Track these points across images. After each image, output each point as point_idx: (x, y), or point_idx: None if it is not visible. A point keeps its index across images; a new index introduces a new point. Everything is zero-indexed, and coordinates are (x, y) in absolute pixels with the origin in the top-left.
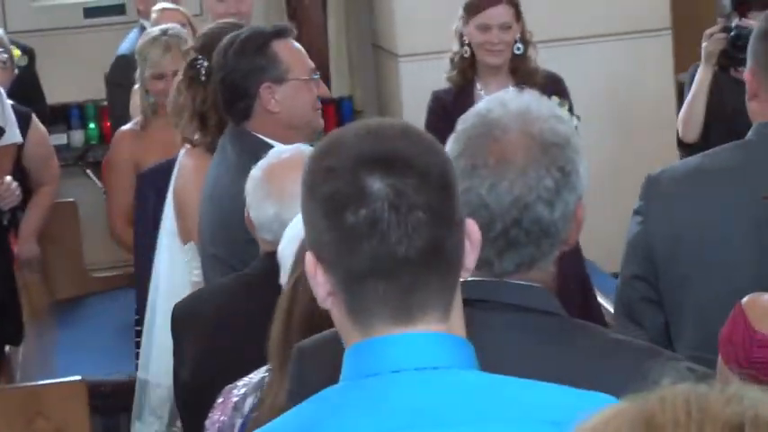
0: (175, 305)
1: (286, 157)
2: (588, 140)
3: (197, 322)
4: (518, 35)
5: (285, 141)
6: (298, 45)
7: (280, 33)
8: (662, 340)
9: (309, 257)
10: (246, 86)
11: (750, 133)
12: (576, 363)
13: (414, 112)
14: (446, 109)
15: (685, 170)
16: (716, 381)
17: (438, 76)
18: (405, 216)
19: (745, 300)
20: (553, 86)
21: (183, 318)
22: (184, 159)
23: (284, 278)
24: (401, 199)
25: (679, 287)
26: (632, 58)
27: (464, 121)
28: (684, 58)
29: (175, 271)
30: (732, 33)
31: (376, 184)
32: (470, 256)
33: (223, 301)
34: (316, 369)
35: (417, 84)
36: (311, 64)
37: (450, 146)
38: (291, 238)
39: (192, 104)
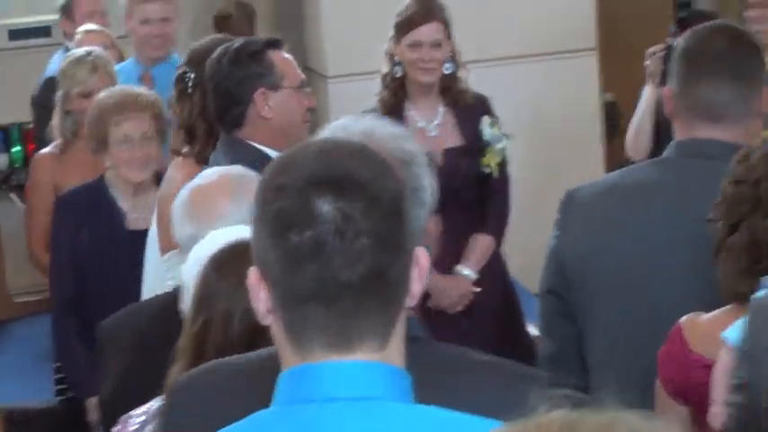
0: (103, 322)
1: (213, 180)
2: (514, 159)
3: (122, 339)
4: (449, 54)
5: (278, 149)
6: (290, 56)
7: (273, 44)
8: (571, 355)
9: (254, 272)
10: (241, 93)
11: (666, 151)
12: (438, 384)
13: None
14: None
15: (602, 186)
16: (593, 407)
17: (368, 96)
18: (350, 241)
19: (683, 320)
20: (482, 107)
21: (108, 334)
22: (173, 171)
23: (186, 302)
24: (348, 223)
25: (589, 302)
26: (558, 78)
27: None
28: (611, 78)
29: (157, 284)
30: (664, 53)
31: (324, 207)
32: (417, 284)
33: (149, 318)
34: (186, 411)
35: (347, 105)
36: (302, 76)
37: None
38: (195, 260)
39: (180, 117)
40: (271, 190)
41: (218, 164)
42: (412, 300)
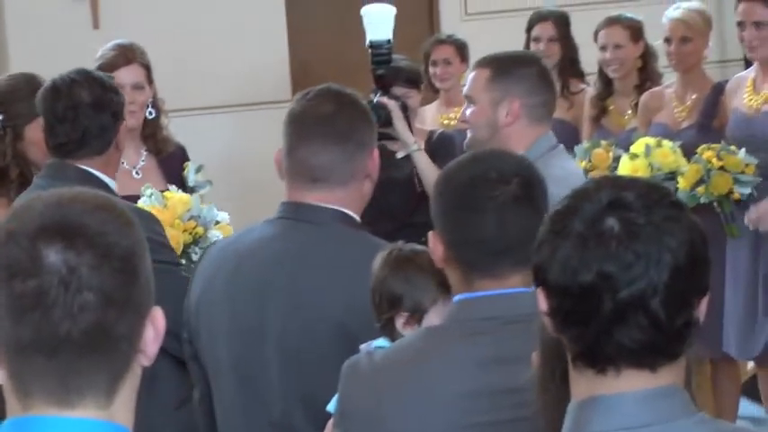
0: None
1: None
2: (214, 201)
3: None
4: (150, 98)
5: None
6: None
7: None
8: (206, 395)
9: None
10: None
11: (279, 211)
12: None
13: None
14: None
15: (223, 243)
16: None
17: None
18: (73, 294)
19: None
20: (182, 154)
21: None
22: None
23: None
24: (72, 276)
25: (201, 354)
26: (256, 128)
27: None
28: None
29: None
30: None
31: (51, 257)
32: (152, 345)
33: None
34: None
35: None
36: None
37: None
38: None
39: None
40: (3, 235)
41: None
42: (147, 359)
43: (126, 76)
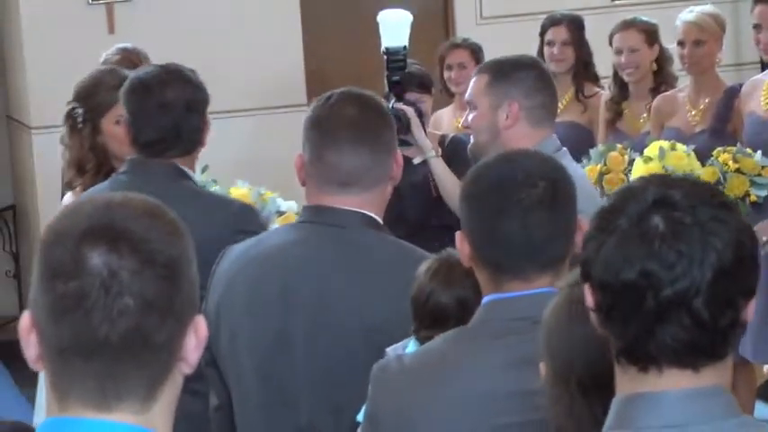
0: None
1: None
2: None
3: None
4: None
5: None
6: None
7: None
8: (225, 402)
9: (26, 316)
10: None
11: (301, 215)
12: None
13: (47, 185)
14: None
15: (243, 247)
16: None
17: None
18: (113, 299)
19: None
20: None
21: None
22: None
23: None
24: (114, 280)
25: (221, 361)
26: (270, 131)
27: None
28: None
29: None
30: None
31: (94, 260)
32: (194, 353)
33: None
34: None
35: (51, 156)
36: None
37: None
38: None
39: (71, 151)
40: (51, 234)
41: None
42: (188, 367)
43: None
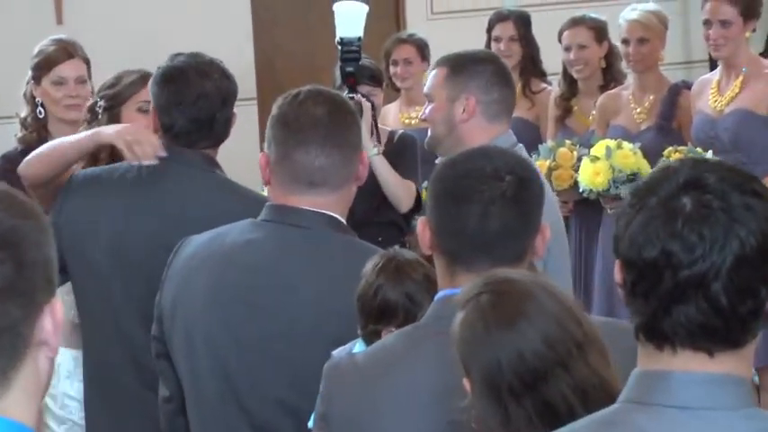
0: None
1: None
2: None
3: None
4: (90, 92)
5: None
6: None
7: None
8: (176, 394)
9: None
10: None
11: (262, 213)
12: None
13: None
14: None
15: (199, 241)
16: None
17: (7, 140)
18: None
19: None
20: None
21: None
22: None
23: None
24: None
25: (174, 355)
26: None
27: None
28: None
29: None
30: None
31: None
32: (54, 337)
33: None
34: None
35: None
36: None
37: None
38: None
39: None
40: None
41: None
42: (51, 351)
43: (69, 71)
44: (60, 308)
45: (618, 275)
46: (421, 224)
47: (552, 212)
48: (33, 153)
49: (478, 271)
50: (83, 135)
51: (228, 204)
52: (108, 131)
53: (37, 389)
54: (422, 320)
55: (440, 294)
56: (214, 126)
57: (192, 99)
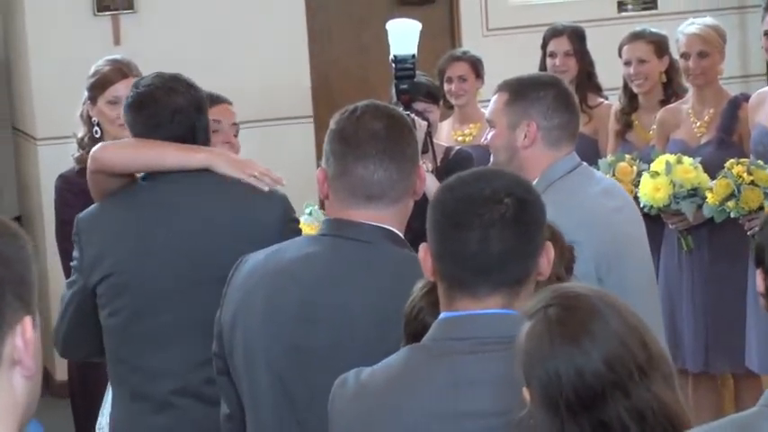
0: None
1: None
2: None
3: None
4: None
5: None
6: None
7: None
8: (237, 412)
9: None
10: None
11: (321, 228)
12: None
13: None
14: (78, 188)
15: (259, 257)
16: None
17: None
18: None
19: None
20: None
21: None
22: None
23: None
24: None
25: (235, 372)
26: (278, 143)
27: None
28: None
29: None
30: None
31: None
32: (27, 356)
33: None
34: None
35: (56, 167)
36: None
37: None
38: None
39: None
40: None
41: None
42: (26, 370)
43: (124, 90)
44: (29, 326)
45: (760, 284)
46: (423, 250)
47: (587, 235)
48: (118, 141)
49: (476, 294)
50: (193, 152)
51: (245, 203)
52: (222, 164)
53: (13, 408)
54: (422, 341)
55: (441, 316)
56: (196, 136)
57: (168, 118)
